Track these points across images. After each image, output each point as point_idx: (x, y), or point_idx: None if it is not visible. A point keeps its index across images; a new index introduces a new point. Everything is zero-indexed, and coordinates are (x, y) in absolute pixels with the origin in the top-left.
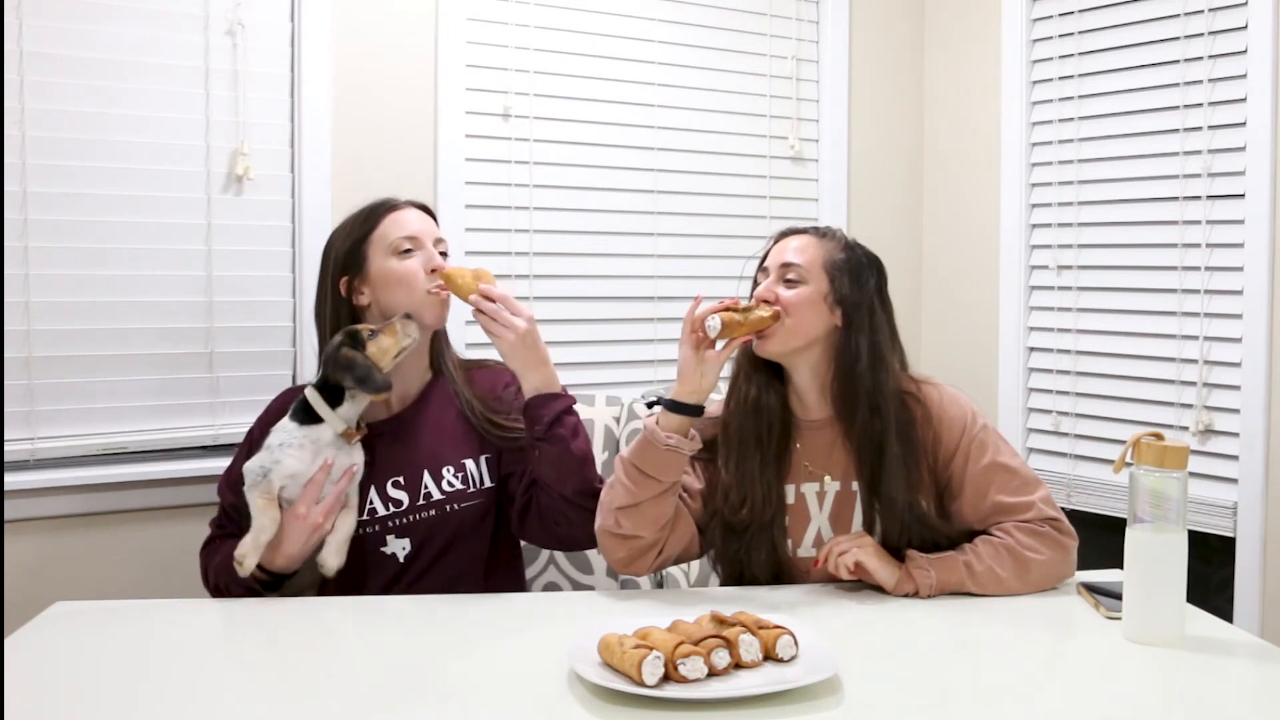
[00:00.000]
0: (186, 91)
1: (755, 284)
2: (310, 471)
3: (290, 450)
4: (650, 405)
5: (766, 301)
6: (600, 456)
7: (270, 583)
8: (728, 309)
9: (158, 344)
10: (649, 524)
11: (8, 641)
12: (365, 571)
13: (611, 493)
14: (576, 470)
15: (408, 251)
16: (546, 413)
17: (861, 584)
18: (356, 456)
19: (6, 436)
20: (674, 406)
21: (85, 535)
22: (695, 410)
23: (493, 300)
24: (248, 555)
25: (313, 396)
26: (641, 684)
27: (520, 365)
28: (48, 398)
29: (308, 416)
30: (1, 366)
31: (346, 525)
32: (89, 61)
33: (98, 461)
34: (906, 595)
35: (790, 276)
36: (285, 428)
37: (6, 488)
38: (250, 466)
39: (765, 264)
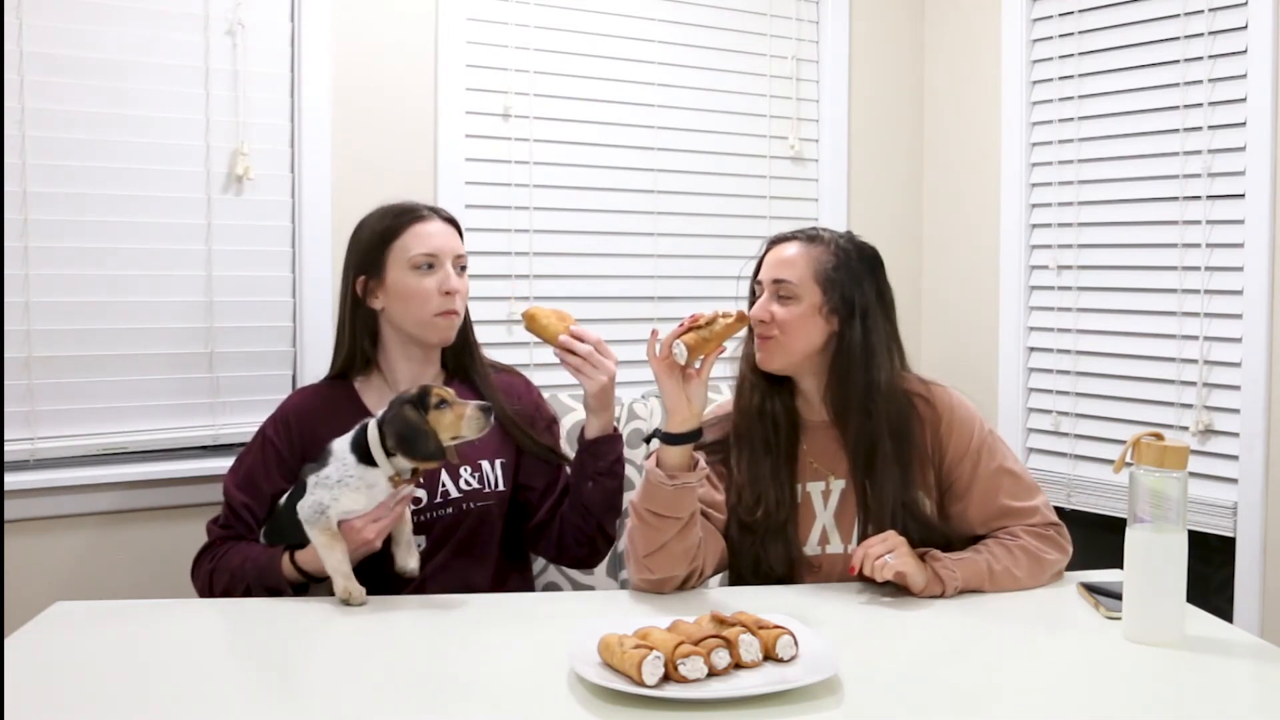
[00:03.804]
0: (186, 91)
1: (753, 292)
2: (364, 510)
3: (348, 491)
4: (647, 440)
5: (764, 322)
6: None
7: (301, 585)
8: (689, 329)
9: (158, 344)
10: (680, 560)
11: (8, 641)
12: (380, 568)
13: (633, 542)
14: (619, 506)
15: (427, 268)
16: (610, 452)
17: (864, 583)
18: (407, 488)
19: (6, 436)
20: (671, 439)
21: (85, 535)
22: (694, 436)
23: (583, 341)
24: (350, 588)
25: (373, 438)
26: (641, 684)
27: (598, 405)
28: (48, 398)
29: (365, 454)
30: (1, 366)
31: (407, 529)
32: (89, 61)
33: (98, 461)
34: (933, 596)
35: (783, 293)
36: (344, 460)
37: (6, 488)
38: (307, 504)
39: (760, 275)
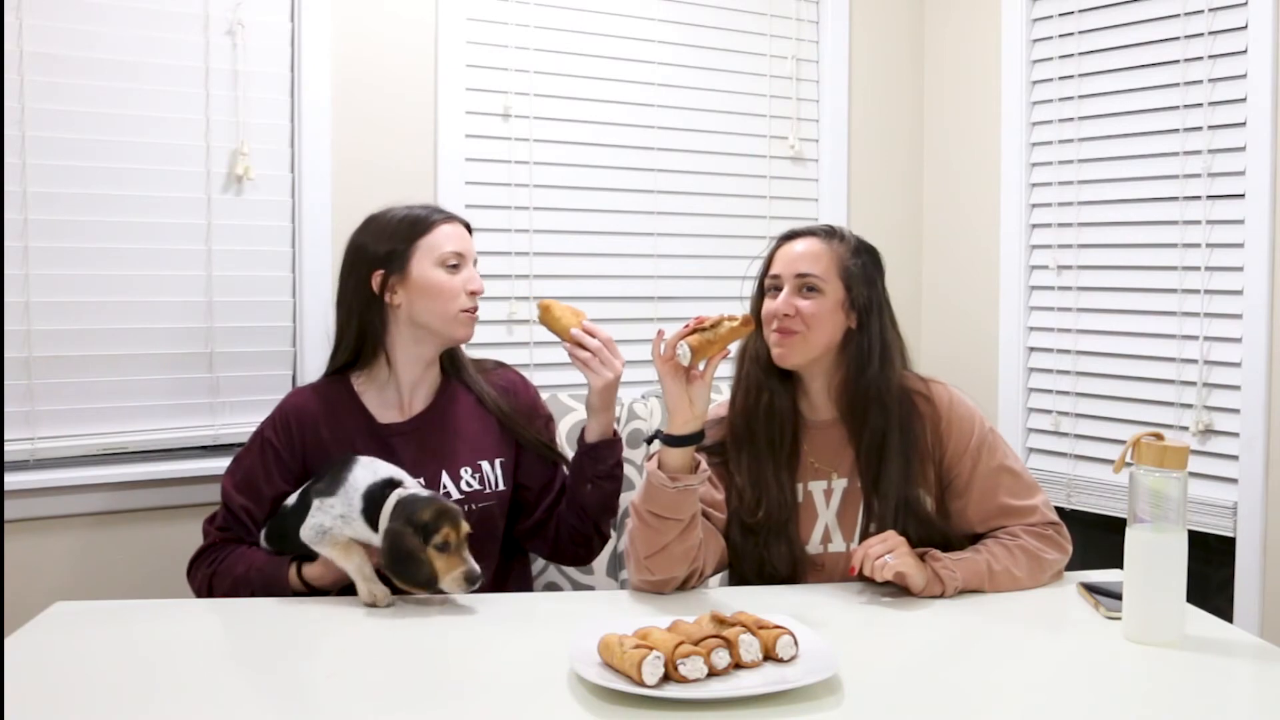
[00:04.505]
0: (186, 91)
1: (761, 287)
2: (362, 539)
3: (347, 527)
4: (649, 441)
5: (789, 316)
6: None
7: (306, 594)
8: (694, 331)
9: (158, 344)
10: (681, 561)
11: (8, 641)
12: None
13: (634, 543)
14: (616, 507)
15: (454, 267)
16: (610, 456)
17: (864, 583)
18: None
19: (6, 436)
20: (673, 441)
21: (85, 535)
22: (696, 438)
23: (594, 337)
24: (375, 592)
25: (386, 513)
26: (641, 684)
27: (600, 404)
28: (48, 398)
29: (375, 513)
30: (1, 366)
31: (368, 565)
32: (89, 61)
33: (98, 461)
34: (933, 597)
35: (807, 287)
36: (353, 503)
37: (6, 488)
38: (309, 527)
39: (774, 270)
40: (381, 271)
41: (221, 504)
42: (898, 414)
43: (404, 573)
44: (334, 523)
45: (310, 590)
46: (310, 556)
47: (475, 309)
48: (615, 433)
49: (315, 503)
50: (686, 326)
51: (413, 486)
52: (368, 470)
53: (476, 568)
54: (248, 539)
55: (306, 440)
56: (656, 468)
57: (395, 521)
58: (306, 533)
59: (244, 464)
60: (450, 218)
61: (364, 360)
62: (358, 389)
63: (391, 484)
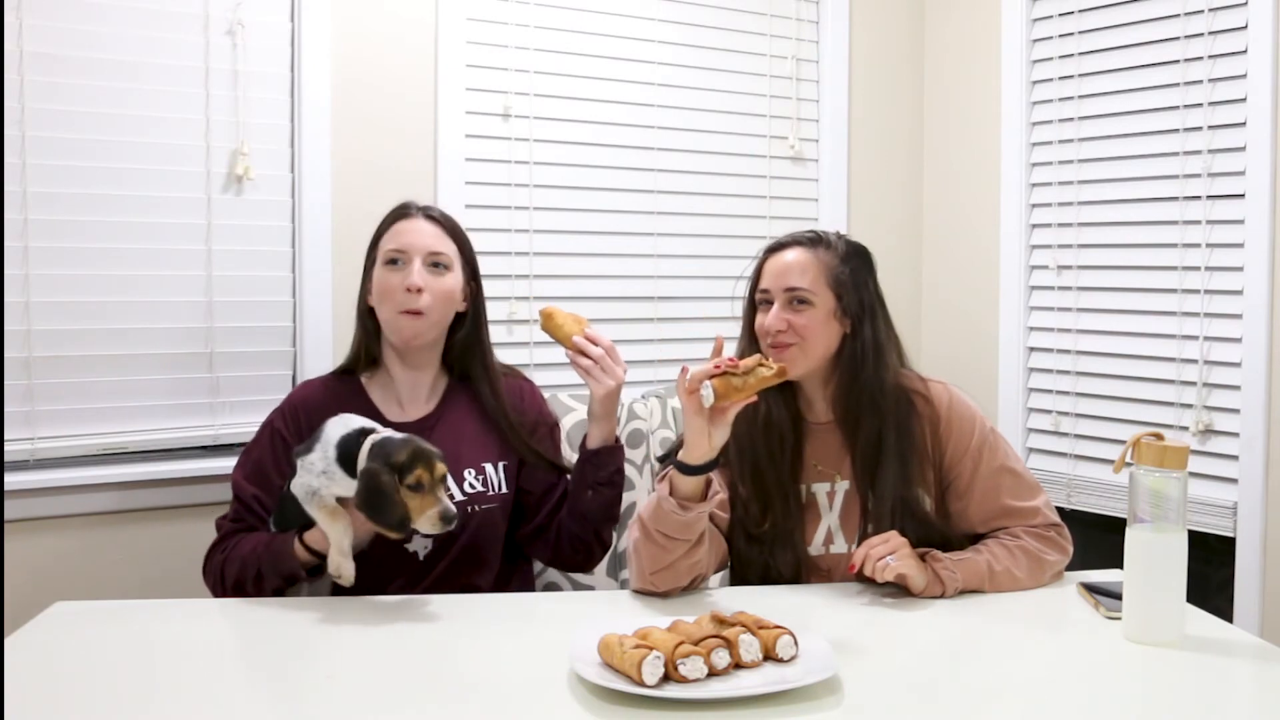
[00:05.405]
0: (186, 91)
1: (751, 300)
2: (352, 494)
3: (334, 487)
4: (661, 459)
5: (782, 331)
6: None
7: (316, 567)
8: (726, 372)
9: (158, 344)
10: (686, 574)
11: (8, 641)
12: (386, 570)
13: (639, 558)
14: (617, 515)
15: (394, 264)
16: (611, 463)
17: (864, 583)
18: None
19: (6, 436)
20: (688, 469)
21: (85, 535)
22: (710, 466)
23: (597, 345)
24: (342, 565)
25: (362, 456)
26: (641, 684)
27: (602, 412)
28: (48, 398)
29: (349, 461)
30: (1, 366)
31: (348, 537)
32: (89, 61)
33: (98, 461)
34: (933, 597)
35: (798, 300)
36: (328, 453)
37: (6, 488)
38: (298, 485)
39: (763, 284)
40: (363, 275)
41: (233, 497)
42: (894, 414)
43: (377, 513)
44: (319, 481)
45: (315, 558)
46: (311, 525)
47: (418, 311)
48: (616, 439)
49: (298, 463)
50: (716, 365)
51: (387, 432)
52: (339, 424)
53: (451, 507)
54: (260, 528)
55: (315, 431)
56: (668, 493)
57: (372, 462)
58: (298, 491)
59: (253, 455)
60: (408, 214)
61: (364, 362)
62: (365, 385)
63: (365, 432)
